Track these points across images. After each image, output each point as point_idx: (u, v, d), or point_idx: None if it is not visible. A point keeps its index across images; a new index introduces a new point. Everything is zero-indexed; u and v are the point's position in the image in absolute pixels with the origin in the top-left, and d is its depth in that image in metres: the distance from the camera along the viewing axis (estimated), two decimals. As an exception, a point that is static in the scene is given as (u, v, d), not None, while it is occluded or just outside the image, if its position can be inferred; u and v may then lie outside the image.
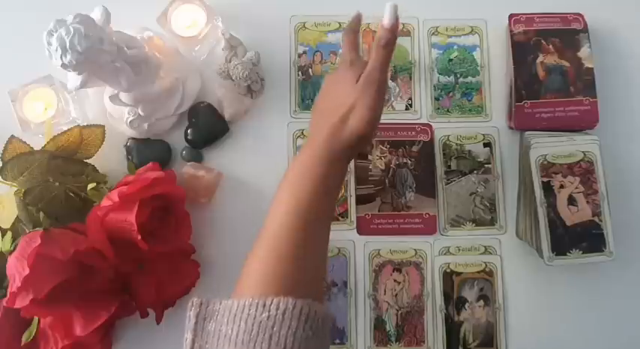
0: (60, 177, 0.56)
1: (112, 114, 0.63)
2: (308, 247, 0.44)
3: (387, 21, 0.50)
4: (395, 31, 0.51)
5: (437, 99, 0.67)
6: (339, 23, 0.68)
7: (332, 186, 0.48)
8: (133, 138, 0.64)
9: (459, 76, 0.67)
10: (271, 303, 0.38)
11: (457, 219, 0.64)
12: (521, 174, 0.64)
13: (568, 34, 0.65)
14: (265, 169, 0.65)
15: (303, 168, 0.47)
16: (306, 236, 0.44)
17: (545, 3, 0.66)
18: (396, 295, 0.63)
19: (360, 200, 0.65)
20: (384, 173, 0.65)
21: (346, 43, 0.56)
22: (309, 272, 0.43)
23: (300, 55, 0.67)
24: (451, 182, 0.65)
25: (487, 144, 0.66)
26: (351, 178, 0.65)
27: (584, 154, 0.60)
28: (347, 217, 0.64)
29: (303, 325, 0.38)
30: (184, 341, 0.39)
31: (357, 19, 0.57)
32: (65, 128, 0.58)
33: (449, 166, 0.65)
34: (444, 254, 0.64)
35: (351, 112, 0.48)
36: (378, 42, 0.51)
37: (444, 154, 0.65)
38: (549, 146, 0.60)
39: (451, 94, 0.67)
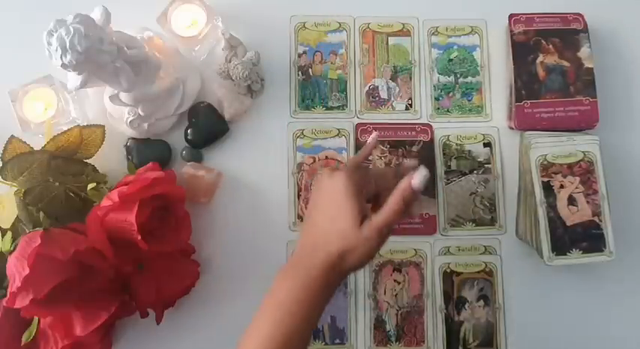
0: (60, 177, 0.56)
1: (112, 114, 0.63)
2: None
3: (416, 183, 0.47)
4: (418, 194, 0.49)
5: (437, 99, 0.67)
6: (339, 23, 0.68)
7: (319, 312, 0.48)
8: (133, 138, 0.64)
9: (459, 76, 0.67)
10: None
11: (457, 219, 0.64)
12: (521, 174, 0.64)
13: (568, 34, 0.65)
14: (265, 169, 0.65)
15: (294, 291, 0.47)
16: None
17: (545, 3, 0.66)
18: (396, 295, 0.63)
19: (360, 200, 0.65)
20: (384, 173, 0.65)
21: (369, 151, 0.55)
22: None
23: (300, 55, 0.67)
24: (451, 182, 0.65)
25: (487, 144, 0.66)
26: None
27: (584, 154, 0.60)
28: (347, 217, 0.64)
29: None
30: None
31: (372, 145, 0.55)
32: (65, 128, 0.58)
33: (449, 166, 0.65)
34: (444, 254, 0.64)
35: (351, 254, 0.47)
36: (402, 194, 0.47)
37: (444, 154, 0.65)
38: (549, 146, 0.60)
39: (451, 94, 0.67)
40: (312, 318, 0.47)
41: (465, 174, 0.65)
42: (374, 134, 0.55)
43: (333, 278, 0.48)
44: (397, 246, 0.64)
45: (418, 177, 0.48)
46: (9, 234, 0.54)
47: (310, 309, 0.46)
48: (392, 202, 0.47)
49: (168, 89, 0.62)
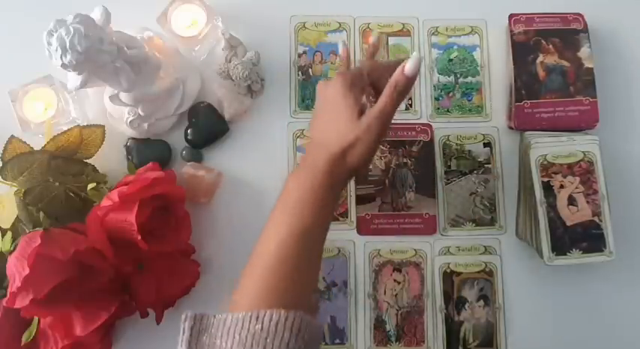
0: (60, 177, 0.56)
1: (112, 114, 0.63)
2: (302, 266, 0.45)
3: (409, 69, 0.49)
4: (413, 81, 0.50)
5: (437, 99, 0.67)
6: (339, 23, 0.68)
7: (329, 211, 0.49)
8: (133, 138, 0.64)
9: (459, 76, 0.67)
10: (264, 316, 0.39)
11: (457, 219, 0.64)
12: (521, 174, 0.64)
13: (568, 34, 0.65)
14: (265, 169, 0.65)
15: (302, 192, 0.47)
16: (301, 256, 0.45)
17: (545, 3, 0.66)
18: (396, 295, 0.63)
19: (360, 200, 0.65)
20: (384, 173, 0.65)
21: (346, 56, 0.56)
22: (301, 287, 0.45)
23: (300, 55, 0.67)
24: (451, 182, 0.65)
25: (487, 144, 0.66)
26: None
27: (584, 154, 0.60)
28: (347, 217, 0.64)
29: (295, 336, 0.39)
30: None
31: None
32: (65, 128, 0.58)
33: (449, 166, 0.65)
34: (444, 254, 0.64)
35: (352, 148, 0.48)
36: (393, 85, 0.49)
37: (444, 154, 0.65)
38: (549, 146, 0.60)
39: (451, 94, 0.67)
40: (322, 218, 0.47)
41: (465, 174, 0.65)
42: (374, 33, 0.56)
43: (338, 177, 0.48)
44: (397, 246, 0.64)
45: (410, 62, 0.49)
46: (9, 234, 0.54)
47: (318, 210, 0.47)
48: (386, 90, 0.49)
49: (168, 89, 0.62)
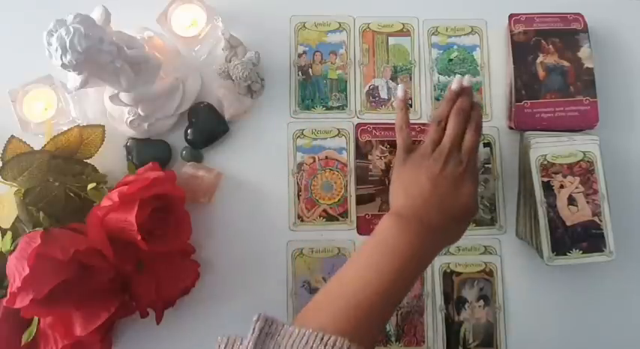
0: (60, 177, 0.56)
1: (112, 114, 0.63)
2: (377, 309, 0.46)
3: (454, 85, 0.57)
4: (461, 94, 0.57)
5: (437, 99, 0.67)
6: (339, 23, 0.68)
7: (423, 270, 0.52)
8: (133, 138, 0.64)
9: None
10: (329, 339, 0.41)
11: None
12: (521, 174, 0.64)
13: (568, 34, 0.65)
14: (265, 169, 0.65)
15: (412, 253, 0.48)
16: (383, 302, 0.46)
17: (545, 3, 0.66)
18: (396, 295, 0.63)
19: (360, 200, 0.65)
20: (384, 173, 0.65)
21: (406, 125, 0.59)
22: (372, 325, 0.46)
23: (300, 55, 0.67)
24: (451, 182, 0.65)
25: (487, 144, 0.66)
26: (351, 178, 0.65)
27: (584, 154, 0.60)
28: (347, 217, 0.64)
29: None
30: (244, 347, 0.41)
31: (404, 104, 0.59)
32: (65, 128, 0.58)
33: (449, 166, 0.65)
34: (444, 254, 0.64)
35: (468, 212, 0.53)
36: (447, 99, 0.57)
37: (444, 154, 0.65)
38: (549, 146, 0.60)
39: (451, 94, 0.67)
40: (416, 275, 0.50)
41: (465, 174, 0.65)
42: (400, 87, 0.60)
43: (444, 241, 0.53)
44: (397, 246, 0.64)
45: (455, 82, 0.57)
46: (9, 234, 0.54)
47: (419, 270, 0.50)
48: (470, 130, 0.56)
49: (168, 89, 0.62)
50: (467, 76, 0.58)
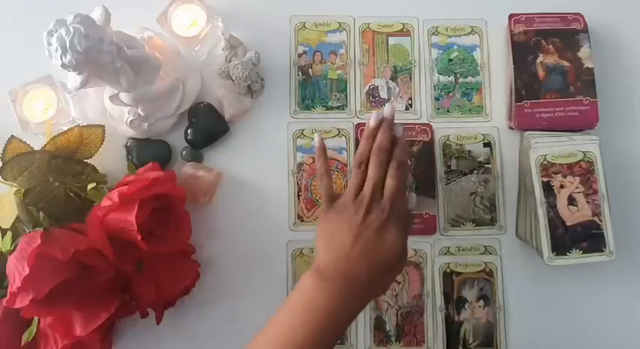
0: (60, 177, 0.56)
1: (112, 114, 0.63)
2: None
3: (372, 120, 0.54)
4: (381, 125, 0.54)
5: (437, 99, 0.67)
6: (339, 23, 0.68)
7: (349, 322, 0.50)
8: (133, 138, 0.64)
9: (459, 76, 0.67)
10: None
11: (457, 219, 0.64)
12: (521, 174, 0.64)
13: (568, 34, 0.65)
14: (265, 169, 0.65)
15: (330, 311, 0.47)
16: None
17: (545, 3, 0.66)
18: (396, 295, 0.63)
19: (360, 200, 0.65)
20: (384, 173, 0.65)
21: (326, 173, 0.55)
22: None
23: (300, 55, 0.67)
24: (451, 182, 0.65)
25: (487, 144, 0.66)
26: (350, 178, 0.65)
27: (584, 154, 0.60)
28: (347, 217, 0.64)
29: None
30: None
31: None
32: (65, 128, 0.58)
33: (449, 166, 0.65)
34: (444, 254, 0.64)
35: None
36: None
37: (444, 154, 0.65)
38: (549, 146, 0.60)
39: (451, 94, 0.67)
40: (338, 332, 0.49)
41: (465, 174, 0.65)
42: (317, 135, 0.58)
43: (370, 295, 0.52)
44: (397, 246, 0.64)
45: (372, 118, 0.54)
46: (9, 234, 0.54)
47: (340, 327, 0.49)
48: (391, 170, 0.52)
49: (168, 89, 0.62)
50: (387, 105, 0.54)
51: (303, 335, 0.46)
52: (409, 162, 0.60)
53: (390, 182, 0.51)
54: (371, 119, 0.53)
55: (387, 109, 0.54)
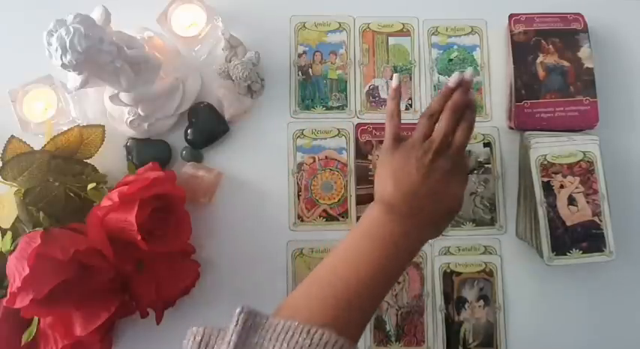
0: (60, 177, 0.56)
1: (112, 114, 0.63)
2: (365, 299, 0.46)
3: (451, 81, 0.54)
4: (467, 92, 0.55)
5: (437, 99, 0.67)
6: (339, 23, 0.68)
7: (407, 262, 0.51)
8: (133, 138, 0.64)
9: (459, 76, 0.67)
10: (315, 332, 0.40)
11: (457, 219, 0.64)
12: (521, 174, 0.64)
13: (568, 34, 0.65)
14: (265, 169, 0.65)
15: (401, 241, 0.48)
16: (371, 293, 0.46)
17: (545, 3, 0.66)
18: (396, 295, 0.63)
19: (360, 200, 0.65)
20: (384, 173, 0.65)
21: (397, 114, 0.56)
22: (361, 320, 0.46)
23: (300, 55, 0.67)
24: (451, 182, 0.65)
25: (487, 144, 0.66)
26: (351, 178, 0.65)
27: (584, 154, 0.60)
28: (347, 217, 0.64)
29: None
30: (228, 343, 0.39)
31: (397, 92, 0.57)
32: (65, 128, 0.58)
33: (449, 166, 0.65)
34: (444, 254, 0.64)
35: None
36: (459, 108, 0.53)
37: (444, 154, 0.65)
38: (549, 146, 0.60)
39: (451, 94, 0.67)
40: (400, 267, 0.50)
41: (465, 174, 0.65)
42: (396, 76, 0.57)
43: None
44: (397, 246, 0.64)
45: (455, 76, 0.54)
46: (9, 234, 0.54)
47: (400, 264, 0.49)
48: (462, 126, 0.54)
49: (168, 89, 0.62)
50: (469, 69, 0.56)
51: (377, 260, 0.47)
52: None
53: (459, 136, 0.53)
54: (452, 78, 0.55)
55: (468, 72, 0.55)
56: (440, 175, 0.51)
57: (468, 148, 0.65)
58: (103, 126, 0.60)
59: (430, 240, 0.63)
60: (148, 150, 0.64)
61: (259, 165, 0.65)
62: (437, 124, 0.54)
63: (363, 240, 0.48)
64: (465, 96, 0.54)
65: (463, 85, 0.55)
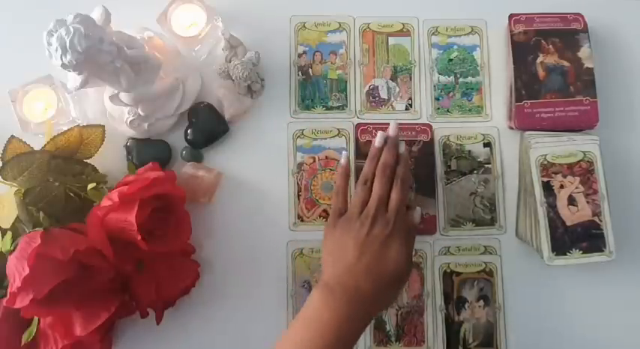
0: (60, 177, 0.56)
1: (112, 114, 0.63)
2: None
3: (377, 140, 0.56)
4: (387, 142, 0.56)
5: (437, 99, 0.67)
6: (339, 23, 0.68)
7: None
8: (133, 138, 0.64)
9: (459, 76, 0.67)
10: None
11: (457, 219, 0.64)
12: (521, 174, 0.64)
13: (568, 34, 0.65)
14: (265, 169, 0.65)
15: (338, 325, 0.48)
16: None
17: (545, 3, 0.66)
18: (396, 295, 0.63)
19: (360, 200, 0.65)
20: (384, 173, 0.65)
21: (342, 192, 0.57)
22: None
23: (300, 55, 0.67)
24: (451, 182, 0.65)
25: (487, 144, 0.66)
26: (351, 178, 0.65)
27: (584, 154, 0.60)
28: (347, 217, 0.64)
29: None
30: None
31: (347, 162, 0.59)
32: (65, 128, 0.58)
33: (449, 166, 0.65)
34: (444, 254, 0.64)
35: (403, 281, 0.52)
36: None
37: (444, 154, 0.65)
38: (549, 146, 0.60)
39: (451, 94, 0.67)
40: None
41: (464, 174, 0.65)
42: (344, 154, 0.60)
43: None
44: (397, 246, 0.64)
45: (378, 137, 0.55)
46: (9, 234, 0.54)
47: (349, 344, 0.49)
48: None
49: (168, 89, 0.62)
50: (392, 123, 0.57)
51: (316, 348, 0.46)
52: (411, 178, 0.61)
53: (394, 196, 0.53)
54: (376, 139, 0.56)
55: (391, 128, 0.56)
56: (377, 245, 0.51)
57: (468, 149, 0.65)
58: (103, 126, 0.60)
59: (430, 241, 0.64)
60: (148, 150, 0.64)
61: (259, 165, 0.65)
62: (372, 190, 0.54)
63: (303, 328, 0.48)
64: (393, 153, 0.55)
65: (389, 142, 0.55)
